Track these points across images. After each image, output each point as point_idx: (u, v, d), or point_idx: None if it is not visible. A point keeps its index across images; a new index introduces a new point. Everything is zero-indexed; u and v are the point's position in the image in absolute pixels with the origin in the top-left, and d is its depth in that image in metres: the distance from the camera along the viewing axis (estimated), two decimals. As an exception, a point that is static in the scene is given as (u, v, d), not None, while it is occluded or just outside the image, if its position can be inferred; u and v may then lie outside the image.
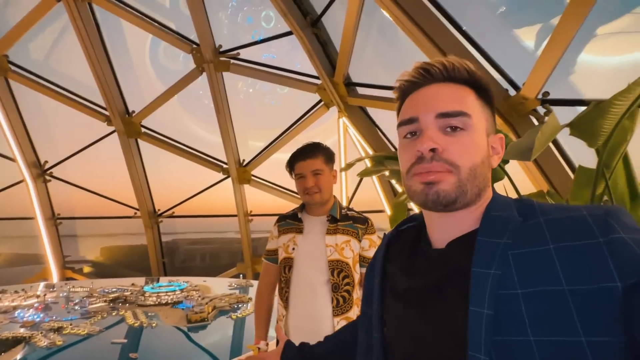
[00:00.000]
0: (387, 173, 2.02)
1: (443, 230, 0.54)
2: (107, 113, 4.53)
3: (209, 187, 4.77)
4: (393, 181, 3.16)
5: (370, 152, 3.45)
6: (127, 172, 4.68)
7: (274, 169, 4.45)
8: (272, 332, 1.49)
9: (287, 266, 1.37)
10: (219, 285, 3.31)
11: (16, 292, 3.09)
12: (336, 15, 3.19)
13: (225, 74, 4.05)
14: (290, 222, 1.43)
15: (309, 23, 3.33)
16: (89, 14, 4.08)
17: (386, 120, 3.45)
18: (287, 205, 4.33)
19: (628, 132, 1.14)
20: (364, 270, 1.38)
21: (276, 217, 1.51)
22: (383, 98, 3.14)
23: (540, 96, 2.02)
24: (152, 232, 4.89)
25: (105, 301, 2.72)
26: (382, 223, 3.73)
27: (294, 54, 3.94)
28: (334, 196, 1.45)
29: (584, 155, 1.43)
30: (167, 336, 2.07)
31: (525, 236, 0.45)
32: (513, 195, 1.49)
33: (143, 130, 4.60)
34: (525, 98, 2.04)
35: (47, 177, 5.08)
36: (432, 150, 0.50)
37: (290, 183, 4.21)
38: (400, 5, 2.30)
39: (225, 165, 4.51)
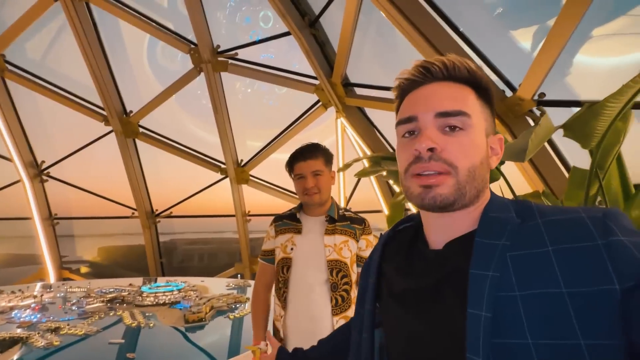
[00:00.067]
0: (384, 173, 2.03)
1: (440, 231, 0.53)
2: (104, 113, 4.52)
3: (207, 187, 4.77)
4: (390, 181, 3.17)
5: (368, 152, 3.46)
6: (124, 172, 4.67)
7: (272, 169, 4.45)
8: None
9: (285, 266, 1.37)
10: (217, 286, 3.31)
11: (13, 292, 3.08)
12: (334, 15, 3.20)
13: (223, 74, 4.05)
14: (287, 222, 1.44)
15: (307, 24, 3.33)
16: (86, 13, 4.06)
17: (384, 120, 3.46)
18: (285, 206, 4.33)
19: (621, 134, 1.15)
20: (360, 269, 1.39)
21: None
22: (381, 98, 3.15)
23: (536, 97, 2.03)
24: (150, 232, 4.88)
25: (102, 301, 2.71)
26: (380, 223, 3.75)
27: (292, 54, 3.95)
28: (332, 197, 1.46)
29: (580, 155, 1.44)
30: (164, 336, 2.07)
31: (523, 238, 0.45)
32: (509, 195, 1.51)
33: (141, 130, 4.59)
34: (521, 99, 2.05)
35: (44, 177, 5.06)
36: (431, 149, 0.49)
37: (288, 183, 4.21)
38: (397, 5, 2.31)
39: (223, 166, 4.51)
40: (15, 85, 4.63)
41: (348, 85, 3.42)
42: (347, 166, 2.13)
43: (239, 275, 4.02)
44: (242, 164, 4.46)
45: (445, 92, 0.52)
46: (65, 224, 5.31)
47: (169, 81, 4.30)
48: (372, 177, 3.55)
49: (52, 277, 5.15)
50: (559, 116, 2.03)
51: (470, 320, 0.43)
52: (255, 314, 1.45)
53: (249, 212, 4.63)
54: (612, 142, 1.15)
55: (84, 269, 5.60)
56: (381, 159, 1.97)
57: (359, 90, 3.43)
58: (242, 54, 3.96)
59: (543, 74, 1.90)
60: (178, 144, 4.63)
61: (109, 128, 4.59)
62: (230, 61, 3.97)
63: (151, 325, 2.18)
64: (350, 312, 1.34)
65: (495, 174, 1.46)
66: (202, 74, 4.02)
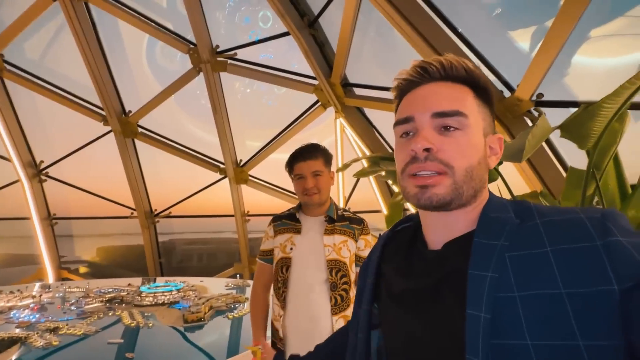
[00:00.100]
0: (383, 173, 2.03)
1: (439, 231, 0.53)
2: (103, 113, 4.51)
3: (206, 187, 4.77)
4: (389, 181, 3.18)
5: (367, 152, 3.46)
6: (123, 172, 4.67)
7: (271, 169, 4.45)
8: (269, 333, 1.50)
9: (284, 266, 1.38)
10: (216, 286, 3.31)
11: (11, 292, 3.07)
12: (333, 16, 3.20)
13: (222, 74, 4.05)
14: (286, 222, 1.44)
15: (306, 24, 3.34)
16: (85, 13, 4.06)
17: (383, 120, 3.47)
18: (284, 206, 4.33)
19: (617, 134, 1.16)
20: (359, 269, 1.40)
21: (273, 217, 1.51)
22: (380, 99, 3.15)
23: (534, 98, 2.04)
24: (149, 232, 4.88)
25: (101, 301, 2.71)
26: (379, 223, 3.75)
27: (291, 54, 3.95)
28: (330, 197, 1.46)
29: (578, 156, 1.45)
30: (163, 336, 2.07)
31: (522, 238, 0.45)
32: (506, 196, 1.51)
33: (140, 130, 4.59)
34: (519, 99, 2.06)
35: (43, 177, 5.05)
36: (427, 150, 0.49)
37: (287, 183, 4.22)
38: (395, 5, 2.32)
39: (222, 166, 4.51)
40: (13, 85, 4.62)
41: (347, 85, 3.42)
42: (346, 166, 2.14)
43: (238, 275, 4.02)
44: (241, 164, 4.46)
45: (442, 92, 0.52)
46: (64, 224, 5.31)
47: (168, 81, 4.30)
48: (371, 177, 3.56)
49: (50, 277, 5.14)
50: (557, 116, 2.04)
51: (470, 321, 0.43)
52: (255, 314, 1.45)
53: (248, 212, 4.63)
54: (609, 143, 1.16)
55: (82, 269, 5.59)
56: (380, 159, 1.97)
57: (358, 91, 3.44)
58: (241, 54, 3.96)
59: (541, 75, 1.91)
60: (177, 144, 4.63)
61: (108, 128, 4.59)
62: (229, 61, 3.97)
63: (150, 325, 2.18)
64: (349, 312, 1.35)
65: (493, 174, 1.46)
66: (201, 74, 4.02)
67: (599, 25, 2.01)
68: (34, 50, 4.67)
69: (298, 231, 1.40)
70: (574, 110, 1.25)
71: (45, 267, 5.14)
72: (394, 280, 0.56)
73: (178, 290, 2.91)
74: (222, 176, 4.55)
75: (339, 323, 1.32)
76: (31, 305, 2.62)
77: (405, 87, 0.55)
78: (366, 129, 3.54)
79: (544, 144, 2.14)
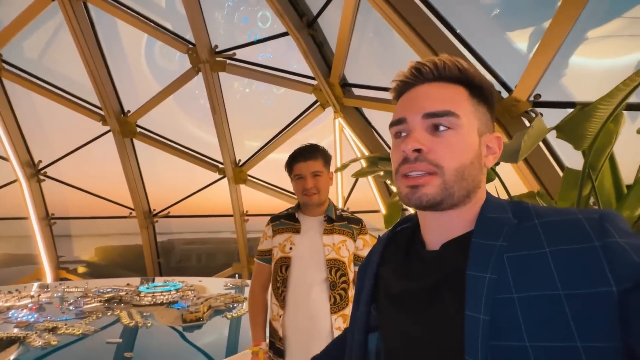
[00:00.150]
0: (381, 173, 2.04)
1: (437, 231, 0.53)
2: (102, 112, 4.51)
3: (205, 187, 4.77)
4: (388, 181, 3.19)
5: (366, 152, 3.47)
6: (122, 172, 4.67)
7: (270, 169, 4.46)
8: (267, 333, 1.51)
9: (284, 265, 1.38)
10: (215, 285, 3.31)
11: (10, 292, 3.07)
12: (332, 16, 3.21)
13: (221, 74, 4.05)
14: (285, 222, 1.45)
15: (305, 24, 3.34)
16: (84, 13, 4.05)
17: (382, 121, 3.48)
18: (283, 205, 4.33)
19: (613, 135, 1.17)
20: (357, 269, 1.41)
21: (273, 217, 1.52)
22: (378, 99, 3.16)
23: (532, 98, 2.05)
24: (148, 232, 4.87)
25: (100, 301, 2.71)
26: (378, 223, 3.76)
27: (290, 54, 3.95)
28: (329, 197, 1.47)
29: (575, 156, 1.46)
30: (162, 336, 2.07)
31: (520, 239, 0.45)
32: (503, 196, 1.52)
33: (138, 130, 4.59)
34: (517, 100, 2.07)
35: (41, 177, 5.04)
36: (417, 150, 0.50)
37: (286, 183, 4.22)
38: (394, 6, 2.33)
39: (221, 165, 4.52)
40: (12, 84, 4.61)
41: (346, 85, 3.43)
42: (344, 166, 2.14)
43: (236, 275, 4.02)
44: (240, 164, 4.46)
45: (434, 93, 0.52)
46: (62, 223, 5.29)
47: (166, 81, 4.29)
48: (370, 177, 3.57)
49: (49, 277, 5.13)
50: (556, 117, 2.05)
51: (469, 323, 0.43)
52: (254, 314, 1.45)
53: (246, 212, 4.64)
54: (604, 144, 1.17)
55: (81, 269, 5.58)
56: (378, 159, 1.98)
57: (356, 91, 3.44)
58: (240, 54, 3.96)
59: (539, 76, 1.92)
60: (176, 143, 4.63)
61: (107, 128, 4.58)
62: (228, 61, 3.97)
63: (149, 324, 2.18)
64: (348, 310, 1.36)
65: (490, 175, 1.47)
66: (200, 74, 4.02)
67: (596, 27, 2.02)
68: (33, 50, 4.66)
69: (297, 231, 1.41)
70: (571, 110, 1.26)
71: (43, 267, 5.13)
72: (392, 281, 0.56)
73: (177, 290, 2.91)
74: (221, 176, 4.55)
75: (338, 322, 1.33)
76: (29, 305, 2.62)
77: (401, 89, 0.56)
78: (365, 129, 3.55)
79: (541, 144, 2.15)
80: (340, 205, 3.89)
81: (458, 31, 2.33)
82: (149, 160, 4.84)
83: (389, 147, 3.67)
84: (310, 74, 3.55)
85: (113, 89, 4.44)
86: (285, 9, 3.24)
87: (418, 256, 0.55)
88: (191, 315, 2.25)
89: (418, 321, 0.50)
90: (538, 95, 2.04)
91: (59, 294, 3.02)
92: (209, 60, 3.92)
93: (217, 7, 4.06)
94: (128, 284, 3.33)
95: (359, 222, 1.45)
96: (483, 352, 0.41)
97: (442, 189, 0.49)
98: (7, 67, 4.51)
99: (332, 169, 1.48)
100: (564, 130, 1.13)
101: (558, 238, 0.43)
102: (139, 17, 4.00)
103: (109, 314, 2.43)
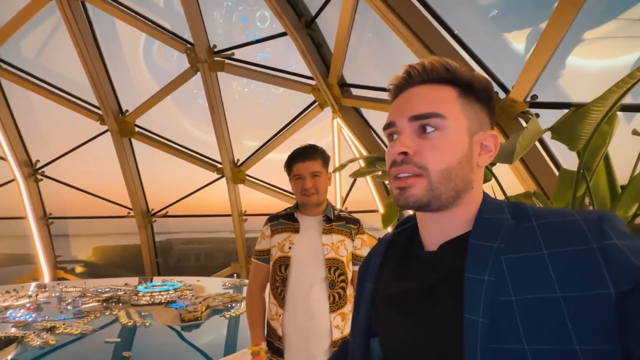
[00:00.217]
0: (379, 173, 2.05)
1: (434, 232, 0.53)
2: (100, 112, 4.50)
3: (203, 187, 4.77)
4: (386, 182, 3.20)
5: (364, 152, 3.48)
6: (120, 172, 4.66)
7: (269, 169, 4.46)
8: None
9: (283, 265, 1.39)
10: (213, 285, 3.32)
11: (7, 292, 3.06)
12: (330, 16, 3.22)
13: (219, 73, 4.05)
14: (283, 221, 1.46)
15: (303, 24, 3.35)
16: (81, 12, 4.04)
17: (380, 121, 3.49)
18: (281, 205, 4.33)
19: (607, 136, 1.19)
20: (356, 268, 1.43)
21: (271, 217, 1.53)
22: (377, 99, 3.17)
23: (528, 99, 2.07)
24: (146, 232, 4.87)
25: (98, 301, 2.71)
26: (376, 223, 3.78)
27: (289, 54, 3.96)
28: (326, 198, 1.48)
29: (571, 156, 1.47)
30: (160, 335, 2.08)
31: (518, 240, 0.45)
32: (500, 196, 1.53)
33: (137, 129, 4.58)
34: (514, 101, 2.09)
35: (39, 176, 5.03)
36: (404, 153, 0.50)
37: (284, 183, 4.22)
38: (391, 7, 2.34)
39: (219, 165, 4.52)
40: (9, 83, 4.59)
41: (344, 85, 3.44)
42: (342, 166, 2.15)
43: (235, 275, 4.02)
44: (239, 163, 4.46)
45: (421, 95, 0.53)
46: (60, 223, 5.28)
47: (165, 80, 4.29)
48: (368, 177, 3.58)
49: (46, 277, 5.11)
50: (552, 117, 2.06)
51: (467, 325, 0.43)
52: (253, 314, 1.45)
53: (245, 211, 4.64)
54: (599, 145, 1.19)
55: (79, 269, 5.57)
56: (376, 159, 1.99)
57: (355, 91, 3.45)
58: (238, 53, 3.96)
59: (535, 76, 1.93)
60: (174, 143, 4.63)
61: (105, 127, 4.57)
62: (226, 61, 3.97)
63: (147, 324, 2.19)
64: (346, 309, 1.38)
65: (487, 175, 1.48)
66: (199, 73, 4.02)
67: (592, 28, 2.04)
68: (30, 49, 4.64)
69: (296, 230, 1.42)
70: (567, 111, 1.27)
71: (41, 266, 5.11)
72: (390, 282, 0.56)
73: (175, 290, 2.92)
74: (220, 176, 4.55)
75: (337, 320, 1.35)
76: (27, 305, 2.62)
77: (394, 93, 0.57)
78: (363, 130, 3.56)
79: (538, 144, 2.16)
80: (338, 205, 3.90)
81: (456, 32, 2.34)
82: (147, 159, 4.84)
83: (387, 148, 3.71)
84: (309, 74, 3.56)
85: (111, 89, 4.43)
86: (284, 9, 3.25)
87: (416, 257, 0.55)
88: (189, 314, 2.25)
89: (416, 322, 0.50)
90: (535, 96, 2.06)
91: (57, 294, 3.02)
92: (208, 60, 3.92)
93: (215, 6, 4.06)
94: (126, 284, 3.33)
95: (356, 222, 1.47)
96: (482, 355, 0.41)
97: (428, 190, 0.50)
98: (4, 66, 4.49)
99: (331, 169, 1.49)
100: (559, 131, 1.15)
101: (556, 240, 0.43)
102: (138, 16, 3.99)
103: (107, 313, 2.43)
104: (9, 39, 4.32)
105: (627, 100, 1.39)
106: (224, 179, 4.51)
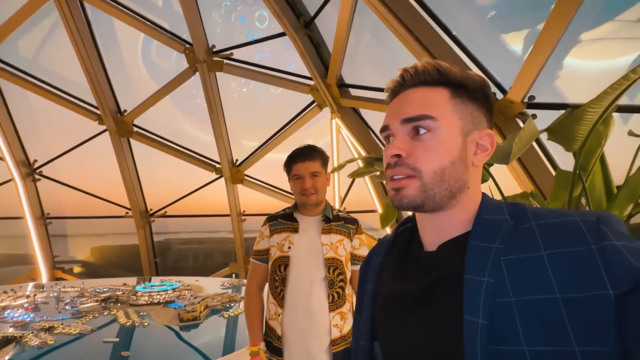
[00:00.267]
0: (378, 174, 2.06)
1: (433, 232, 0.53)
2: (98, 112, 4.49)
3: (202, 187, 4.77)
4: (384, 182, 3.21)
5: (363, 153, 3.49)
6: (118, 172, 4.65)
7: (267, 169, 4.46)
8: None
9: (282, 264, 1.40)
10: (212, 285, 3.32)
11: (5, 292, 3.06)
12: (329, 16, 3.22)
13: (218, 73, 4.05)
14: (282, 221, 1.46)
15: (302, 25, 3.35)
16: (80, 11, 4.04)
17: (378, 121, 3.47)
18: (280, 205, 4.33)
19: (602, 137, 1.20)
20: (355, 267, 1.44)
21: (269, 217, 1.53)
22: (375, 100, 3.18)
23: (526, 100, 2.08)
24: (144, 232, 4.86)
25: (96, 301, 2.71)
26: (375, 223, 3.79)
27: (287, 55, 3.96)
28: (325, 198, 1.49)
29: (568, 156, 1.48)
30: (159, 335, 2.08)
31: (517, 241, 0.45)
32: (497, 196, 1.54)
33: (135, 129, 4.57)
34: (511, 102, 2.10)
35: (37, 176, 5.02)
36: (398, 156, 0.51)
37: (283, 183, 4.23)
38: (390, 7, 2.35)
39: (218, 165, 4.51)
40: (7, 83, 4.58)
41: (343, 86, 3.44)
42: (341, 167, 2.16)
43: (233, 275, 4.02)
44: (237, 163, 4.46)
45: (413, 98, 0.53)
46: (58, 223, 5.27)
47: (163, 80, 4.28)
48: (367, 178, 3.59)
49: (44, 277, 5.10)
50: (550, 118, 2.07)
51: (467, 327, 0.43)
52: (252, 314, 1.45)
53: (244, 211, 4.64)
54: (594, 145, 1.20)
55: (77, 269, 5.56)
56: (375, 159, 2.00)
57: (353, 91, 3.46)
58: (237, 53, 3.96)
59: (533, 77, 1.95)
60: (173, 143, 4.62)
61: (103, 127, 4.56)
62: (225, 61, 3.97)
63: (145, 324, 2.19)
64: (345, 308, 1.39)
65: (484, 175, 1.49)
66: (197, 73, 4.02)
67: (589, 29, 2.05)
68: (28, 48, 4.63)
69: (295, 230, 1.42)
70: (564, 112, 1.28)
71: (38, 267, 5.10)
72: (390, 283, 0.56)
73: (173, 290, 2.92)
74: (218, 176, 4.55)
75: (336, 319, 1.36)
76: (25, 305, 2.61)
77: (390, 96, 0.58)
78: (362, 130, 3.57)
79: (535, 145, 2.17)
80: (337, 206, 3.91)
81: (454, 33, 2.35)
82: (145, 159, 4.83)
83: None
84: (308, 74, 3.56)
85: (109, 88, 4.42)
86: (283, 9, 3.25)
87: (415, 257, 0.55)
88: (188, 314, 2.25)
89: (415, 322, 0.50)
90: (532, 97, 2.07)
91: (55, 294, 3.01)
92: (206, 60, 3.92)
93: (214, 6, 4.06)
94: (125, 284, 3.32)
95: (354, 222, 1.48)
96: (482, 357, 0.41)
97: (422, 191, 0.50)
98: (2, 65, 4.48)
99: (329, 169, 1.50)
100: (555, 132, 1.16)
101: (555, 241, 0.43)
102: (136, 16, 3.99)
103: (105, 313, 2.43)
104: (7, 39, 4.30)
105: (624, 101, 1.40)
106: (222, 179, 4.51)
